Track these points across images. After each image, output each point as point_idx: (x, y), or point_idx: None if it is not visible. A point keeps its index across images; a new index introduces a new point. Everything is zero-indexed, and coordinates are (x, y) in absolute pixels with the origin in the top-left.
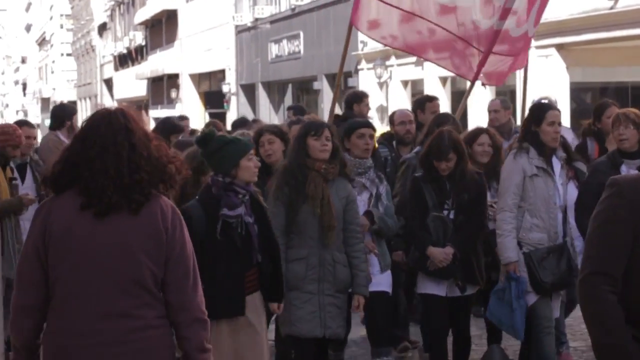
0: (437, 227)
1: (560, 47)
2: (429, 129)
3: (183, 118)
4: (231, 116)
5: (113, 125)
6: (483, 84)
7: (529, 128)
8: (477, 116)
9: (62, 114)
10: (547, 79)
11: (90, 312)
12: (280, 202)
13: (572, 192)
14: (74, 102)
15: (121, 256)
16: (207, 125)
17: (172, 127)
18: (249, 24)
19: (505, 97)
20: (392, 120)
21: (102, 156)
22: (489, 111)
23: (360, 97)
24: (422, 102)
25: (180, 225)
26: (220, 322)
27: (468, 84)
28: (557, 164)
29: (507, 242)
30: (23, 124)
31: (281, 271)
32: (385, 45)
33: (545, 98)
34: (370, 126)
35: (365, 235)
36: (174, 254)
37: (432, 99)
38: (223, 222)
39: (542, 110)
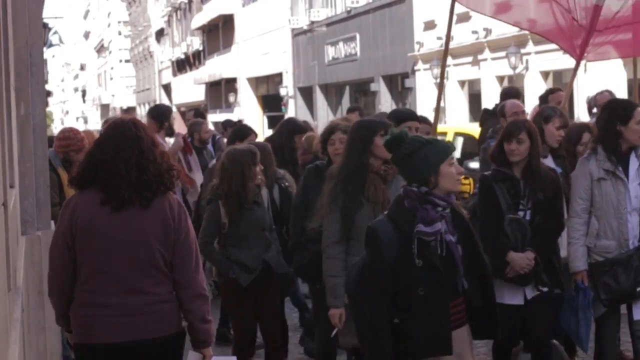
0: (515, 231)
1: None
2: (537, 123)
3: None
4: None
5: (125, 133)
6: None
7: (613, 126)
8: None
9: (158, 115)
10: (604, 75)
11: (113, 288)
12: (338, 208)
13: None
14: (133, 108)
15: (136, 241)
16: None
17: (295, 127)
18: (305, 27)
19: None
20: (503, 112)
21: (115, 159)
22: (599, 105)
23: (515, 94)
24: (544, 96)
25: (185, 216)
26: None
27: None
28: (634, 163)
29: (574, 250)
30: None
31: (494, 301)
32: (522, 29)
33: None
34: (416, 118)
35: None
36: (180, 239)
37: (554, 91)
38: (419, 241)
39: (630, 107)
